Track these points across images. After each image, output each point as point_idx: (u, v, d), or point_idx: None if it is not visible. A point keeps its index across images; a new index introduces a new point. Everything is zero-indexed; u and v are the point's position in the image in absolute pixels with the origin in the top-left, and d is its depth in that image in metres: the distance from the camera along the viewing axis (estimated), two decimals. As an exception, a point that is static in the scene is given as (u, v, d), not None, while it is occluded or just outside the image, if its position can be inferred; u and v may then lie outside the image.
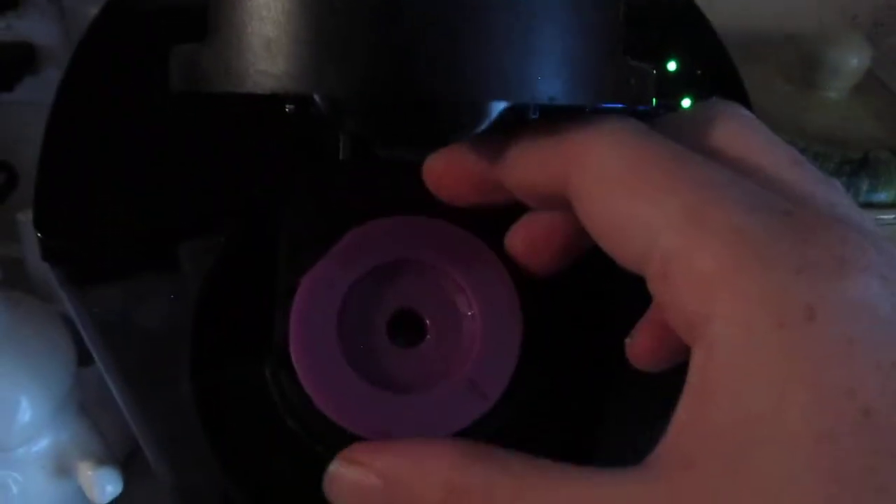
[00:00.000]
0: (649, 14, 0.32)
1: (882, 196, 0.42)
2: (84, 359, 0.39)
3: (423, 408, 0.19)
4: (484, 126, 0.19)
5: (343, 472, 0.18)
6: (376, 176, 0.22)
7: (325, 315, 0.19)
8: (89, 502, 0.38)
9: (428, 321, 0.20)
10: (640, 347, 0.20)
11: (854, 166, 0.42)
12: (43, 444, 0.38)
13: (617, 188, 0.17)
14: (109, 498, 0.38)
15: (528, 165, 0.19)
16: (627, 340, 0.20)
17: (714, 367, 0.15)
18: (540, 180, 0.18)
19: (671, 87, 0.31)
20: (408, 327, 0.20)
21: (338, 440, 0.20)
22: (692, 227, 0.15)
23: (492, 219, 0.21)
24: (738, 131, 0.18)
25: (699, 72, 0.32)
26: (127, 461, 0.42)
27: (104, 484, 0.38)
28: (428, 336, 0.20)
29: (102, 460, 0.39)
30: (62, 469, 0.39)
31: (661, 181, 0.16)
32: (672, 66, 0.32)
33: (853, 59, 0.44)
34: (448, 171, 0.20)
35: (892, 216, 0.43)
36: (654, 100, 0.21)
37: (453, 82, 0.15)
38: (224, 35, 0.16)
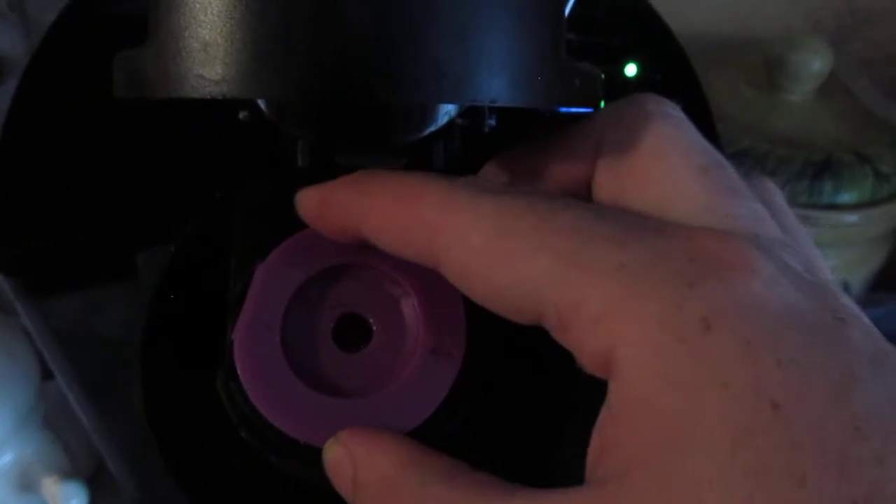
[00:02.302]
0: (608, 19, 0.33)
1: (845, 197, 0.43)
2: (49, 373, 0.39)
3: (379, 407, 0.19)
4: (433, 129, 0.19)
5: (330, 450, 0.19)
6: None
7: (269, 327, 0.19)
8: (55, 517, 0.38)
9: (372, 322, 0.20)
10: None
11: (817, 168, 0.43)
12: (6, 458, 0.38)
13: (488, 261, 0.16)
14: (74, 512, 0.38)
15: (393, 239, 0.18)
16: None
17: (628, 387, 0.15)
18: (408, 255, 0.18)
19: (630, 92, 0.31)
20: (353, 330, 0.20)
21: (291, 450, 0.19)
22: (574, 276, 0.15)
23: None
24: (654, 134, 0.18)
25: (658, 76, 0.32)
26: (92, 477, 0.41)
27: (69, 498, 0.38)
28: (374, 336, 0.20)
29: (67, 474, 0.38)
30: (26, 484, 0.38)
31: (529, 240, 0.16)
32: (631, 70, 0.32)
33: (816, 63, 0.45)
34: (319, 214, 0.19)
35: (856, 217, 0.44)
36: (601, 102, 0.21)
37: (391, 84, 0.15)
38: (162, 39, 0.16)
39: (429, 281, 0.20)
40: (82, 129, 0.26)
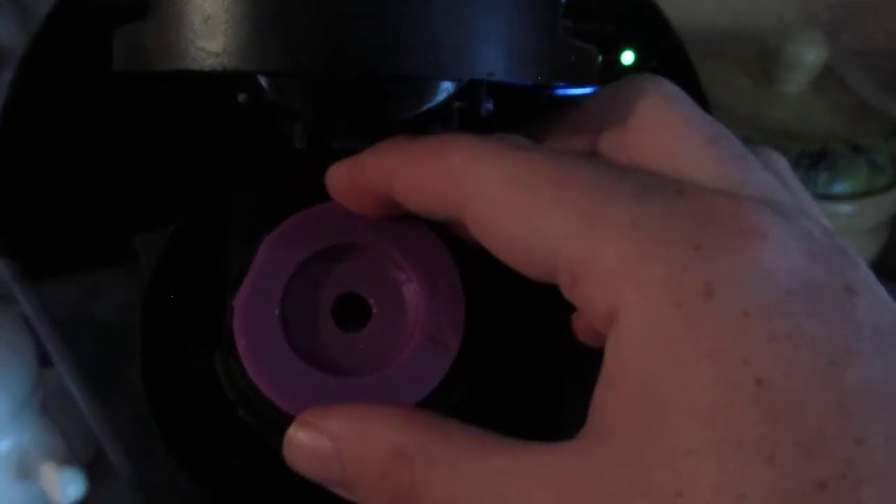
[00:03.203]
0: (604, 7, 0.33)
1: (839, 188, 0.43)
2: (47, 360, 0.39)
3: (376, 387, 0.19)
4: (431, 105, 0.19)
5: (299, 436, 0.18)
6: (325, 166, 0.22)
7: (269, 302, 0.19)
8: (53, 505, 0.38)
9: (372, 303, 0.20)
10: (579, 325, 0.20)
11: (812, 159, 0.43)
12: (4, 445, 0.38)
13: (508, 212, 0.17)
14: (72, 499, 0.38)
15: (420, 191, 0.18)
16: (573, 316, 0.21)
17: (623, 349, 0.15)
18: (434, 207, 0.18)
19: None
20: (353, 311, 0.20)
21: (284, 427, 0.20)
22: (589, 231, 0.16)
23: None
24: (657, 108, 0.19)
25: (654, 65, 0.32)
26: (91, 464, 0.41)
27: (67, 485, 0.38)
28: (373, 317, 0.20)
29: (65, 461, 0.38)
30: (25, 471, 0.38)
31: (549, 194, 0.16)
32: (628, 58, 0.32)
33: (811, 54, 0.45)
34: (350, 184, 0.19)
35: (850, 207, 0.44)
36: (596, 80, 0.21)
37: (389, 57, 0.15)
38: (164, 12, 0.16)
39: (432, 268, 0.20)
40: (80, 115, 0.26)
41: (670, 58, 0.33)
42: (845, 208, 0.44)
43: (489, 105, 0.26)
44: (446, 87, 0.20)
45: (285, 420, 0.19)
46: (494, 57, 0.16)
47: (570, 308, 0.18)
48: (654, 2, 0.34)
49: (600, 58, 0.21)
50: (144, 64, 0.17)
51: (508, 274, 0.19)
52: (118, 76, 0.18)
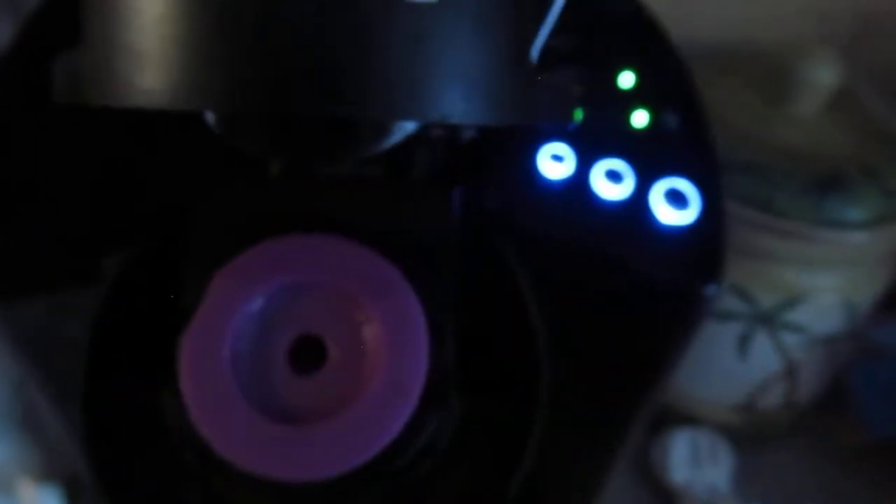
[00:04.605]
0: (601, 24, 0.31)
1: (851, 215, 0.41)
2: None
3: (329, 436, 0.18)
4: (390, 143, 0.18)
5: None
6: (304, 193, 0.21)
7: (218, 342, 0.18)
8: (30, 520, 0.37)
9: (330, 344, 0.19)
10: None
11: (822, 184, 0.41)
12: (-18, 459, 0.37)
13: None
14: (49, 516, 0.37)
15: None
16: None
17: None
18: None
19: (623, 102, 0.30)
20: (309, 352, 0.19)
21: (234, 474, 0.19)
22: None
23: (393, 234, 0.20)
24: None
25: (655, 89, 0.31)
26: (70, 480, 0.41)
27: (44, 501, 0.37)
28: (329, 360, 0.19)
29: (44, 477, 0.38)
30: (2, 486, 0.38)
31: None
32: (625, 80, 0.31)
33: (824, 74, 0.43)
34: None
35: (862, 235, 0.42)
36: (574, 116, 0.20)
37: (332, 98, 0.14)
38: (95, 44, 0.15)
39: (395, 308, 0.19)
40: (49, 132, 0.25)
41: (671, 78, 0.31)
42: (857, 236, 0.42)
43: (471, 131, 0.25)
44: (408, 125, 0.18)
45: (231, 468, 0.18)
46: (450, 99, 0.15)
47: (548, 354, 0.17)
48: (656, 19, 0.32)
49: (579, 90, 0.19)
50: (82, 97, 0.16)
51: (482, 316, 0.18)
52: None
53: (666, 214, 0.28)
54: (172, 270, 0.20)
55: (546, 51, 0.33)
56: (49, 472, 0.38)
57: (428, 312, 0.19)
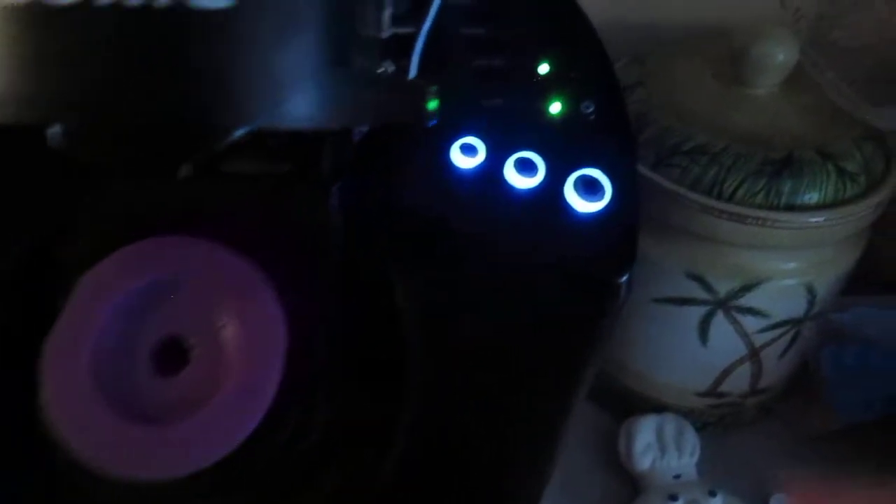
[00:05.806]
0: (520, 10, 0.31)
1: (806, 198, 0.41)
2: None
3: (185, 435, 0.19)
4: (228, 142, 0.18)
5: None
6: (162, 196, 0.21)
7: (80, 346, 0.19)
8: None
9: (191, 346, 0.20)
10: None
11: (776, 166, 0.41)
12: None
13: None
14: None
15: None
16: None
17: None
18: None
19: (541, 90, 0.30)
20: (172, 354, 0.19)
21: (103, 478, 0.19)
22: None
23: (268, 231, 0.20)
24: None
25: (574, 75, 0.31)
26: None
27: None
28: (191, 362, 0.19)
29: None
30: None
31: None
32: (544, 67, 0.31)
33: (779, 54, 0.42)
34: None
35: (822, 218, 0.41)
36: (431, 117, 0.20)
37: (143, 109, 0.14)
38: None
39: (255, 311, 0.19)
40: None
41: (590, 65, 0.31)
42: (815, 218, 0.41)
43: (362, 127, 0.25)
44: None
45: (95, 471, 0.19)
46: (259, 105, 0.15)
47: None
48: (575, 3, 0.32)
49: (434, 88, 0.19)
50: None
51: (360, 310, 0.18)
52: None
53: (578, 203, 0.28)
54: (49, 272, 0.21)
55: (464, 38, 0.33)
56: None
57: (297, 311, 0.20)
